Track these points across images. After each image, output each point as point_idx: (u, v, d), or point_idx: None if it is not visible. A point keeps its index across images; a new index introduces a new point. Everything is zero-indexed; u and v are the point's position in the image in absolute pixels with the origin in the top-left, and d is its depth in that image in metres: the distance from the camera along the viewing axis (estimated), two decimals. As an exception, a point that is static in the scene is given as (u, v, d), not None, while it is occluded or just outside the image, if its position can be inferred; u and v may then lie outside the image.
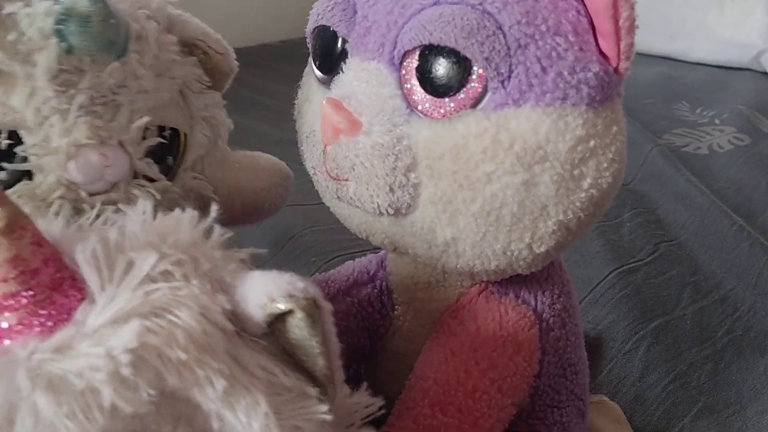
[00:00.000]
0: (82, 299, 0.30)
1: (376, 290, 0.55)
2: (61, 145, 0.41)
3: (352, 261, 0.58)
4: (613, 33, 0.38)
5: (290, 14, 1.92)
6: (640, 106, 1.53)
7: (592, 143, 0.39)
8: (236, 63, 0.52)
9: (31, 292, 0.29)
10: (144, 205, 0.35)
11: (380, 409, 0.38)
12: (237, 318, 0.32)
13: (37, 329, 0.29)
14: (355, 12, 0.43)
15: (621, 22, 0.38)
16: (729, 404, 0.74)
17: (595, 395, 0.70)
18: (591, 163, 0.40)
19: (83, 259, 0.31)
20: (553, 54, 0.38)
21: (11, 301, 0.29)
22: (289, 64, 1.58)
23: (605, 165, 0.40)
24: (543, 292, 0.49)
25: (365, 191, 0.42)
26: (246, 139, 1.41)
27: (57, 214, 0.41)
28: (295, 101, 0.50)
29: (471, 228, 0.41)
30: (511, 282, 0.48)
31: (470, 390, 0.44)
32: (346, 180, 0.42)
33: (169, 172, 0.48)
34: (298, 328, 0.32)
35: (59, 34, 0.40)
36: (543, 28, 0.38)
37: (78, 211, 0.42)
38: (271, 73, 1.78)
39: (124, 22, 0.43)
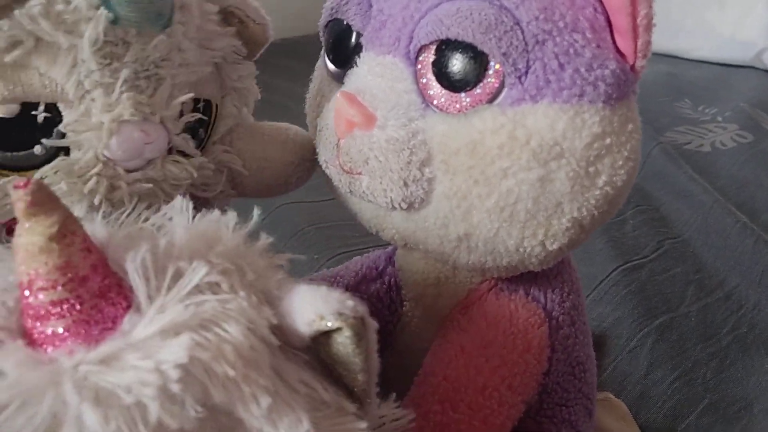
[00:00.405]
0: (128, 307, 0.29)
1: (384, 286, 0.55)
2: (102, 121, 0.39)
3: (359, 257, 0.57)
4: (631, 30, 0.38)
5: (292, 12, 1.91)
6: (642, 104, 1.52)
7: (608, 141, 0.39)
8: (271, 34, 0.50)
9: (78, 300, 0.28)
10: (182, 203, 0.35)
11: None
12: (280, 331, 0.32)
13: (83, 338, 0.28)
14: (370, 6, 0.43)
15: (639, 19, 0.38)
16: (734, 401, 0.74)
17: (600, 392, 0.70)
18: (606, 161, 0.40)
19: (134, 268, 0.30)
20: (571, 50, 0.38)
21: (58, 308, 0.28)
22: (292, 61, 1.58)
23: (620, 163, 0.40)
24: (553, 290, 0.49)
25: (379, 185, 0.41)
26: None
27: (94, 192, 0.40)
28: (307, 95, 0.50)
29: (485, 224, 0.40)
30: (521, 279, 0.48)
31: (480, 387, 0.44)
32: (360, 174, 0.42)
33: (200, 145, 0.47)
34: (343, 345, 0.31)
35: (106, 5, 0.38)
36: (561, 24, 0.38)
37: (114, 188, 0.41)
38: (273, 70, 1.77)
39: None
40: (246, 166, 0.49)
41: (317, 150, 0.47)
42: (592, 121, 0.38)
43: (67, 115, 0.39)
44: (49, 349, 0.28)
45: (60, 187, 0.39)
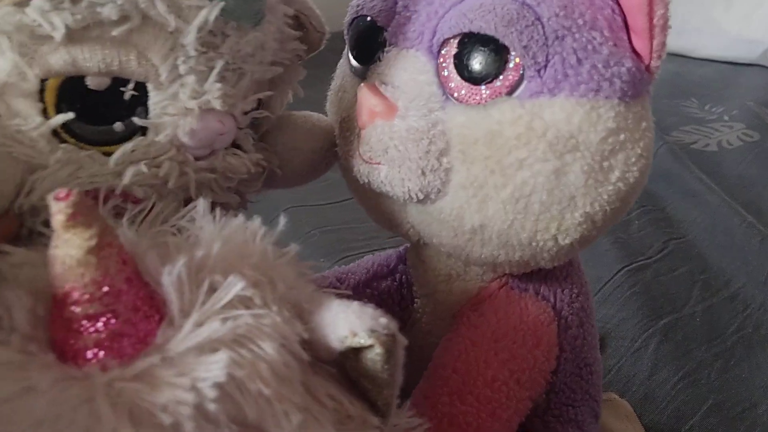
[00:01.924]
0: (160, 320, 0.29)
1: (396, 283, 0.55)
2: (190, 107, 0.40)
3: (371, 255, 0.58)
4: (647, 30, 0.39)
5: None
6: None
7: (622, 136, 0.40)
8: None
9: (113, 314, 0.28)
10: (203, 205, 0.35)
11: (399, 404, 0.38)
12: (309, 345, 0.32)
13: (116, 352, 0.28)
14: (396, 2, 0.44)
15: (655, 20, 0.38)
16: (739, 401, 0.74)
17: (605, 393, 0.70)
18: (620, 156, 0.40)
19: (170, 282, 0.30)
20: (589, 47, 0.38)
21: (93, 323, 0.28)
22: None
23: (633, 159, 0.41)
24: (562, 290, 0.49)
25: (397, 174, 0.42)
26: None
27: (167, 177, 0.40)
28: (328, 92, 0.50)
29: (499, 215, 0.41)
30: (531, 278, 0.49)
31: (489, 380, 0.44)
32: (379, 164, 0.43)
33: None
34: (372, 361, 0.31)
35: None
36: (580, 21, 0.39)
37: (181, 174, 0.41)
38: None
39: None
40: (278, 158, 0.49)
41: (337, 143, 0.47)
42: (608, 116, 0.39)
43: (154, 96, 0.39)
44: (81, 363, 0.28)
45: (140, 168, 0.39)
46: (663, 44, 0.40)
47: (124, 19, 0.37)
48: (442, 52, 0.41)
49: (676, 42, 1.97)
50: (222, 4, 0.38)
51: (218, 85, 0.40)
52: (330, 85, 0.51)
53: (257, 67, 0.43)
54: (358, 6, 0.45)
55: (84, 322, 0.27)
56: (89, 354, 0.28)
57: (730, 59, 1.92)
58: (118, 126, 0.39)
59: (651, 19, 0.38)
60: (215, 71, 0.40)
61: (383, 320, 0.31)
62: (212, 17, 0.38)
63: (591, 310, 0.52)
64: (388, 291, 0.55)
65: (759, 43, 1.88)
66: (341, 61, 0.50)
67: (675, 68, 1.85)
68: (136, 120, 0.39)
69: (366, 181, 0.45)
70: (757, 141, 1.38)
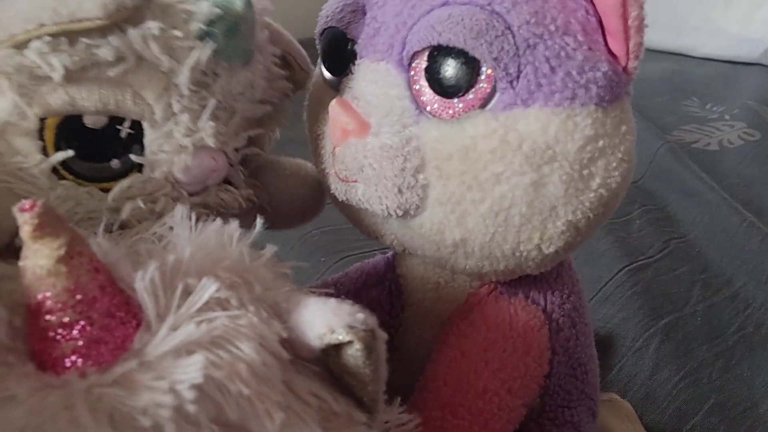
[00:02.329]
0: (137, 326, 0.29)
1: (385, 291, 0.55)
2: (184, 144, 0.41)
3: (360, 263, 0.57)
4: (622, 32, 0.38)
5: (297, 16, 1.92)
6: (649, 103, 1.52)
7: (601, 143, 0.39)
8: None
9: (88, 321, 0.28)
10: (182, 212, 0.35)
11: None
12: (290, 344, 0.32)
13: (94, 359, 0.28)
14: (364, 13, 0.43)
15: (630, 21, 0.37)
16: (740, 401, 0.74)
17: (605, 393, 0.70)
18: (600, 163, 0.40)
19: (143, 287, 0.30)
20: (562, 54, 0.38)
21: (68, 331, 0.28)
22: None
23: (614, 165, 0.40)
24: (553, 292, 0.49)
25: (374, 193, 0.42)
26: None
27: (162, 212, 0.41)
28: (305, 103, 0.50)
29: (480, 229, 0.40)
30: (520, 282, 0.48)
31: (480, 391, 0.44)
32: (355, 182, 0.42)
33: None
34: (353, 357, 0.32)
35: (211, 36, 0.40)
36: (552, 27, 0.38)
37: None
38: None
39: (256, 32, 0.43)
40: (269, 201, 0.51)
41: (313, 158, 0.47)
42: (585, 124, 0.38)
43: (150, 134, 0.41)
44: (60, 372, 0.28)
45: (137, 204, 0.41)
46: (640, 45, 0.39)
47: (119, 60, 0.38)
48: (413, 65, 0.40)
49: (676, 41, 1.96)
50: (213, 45, 0.39)
51: (211, 123, 0.41)
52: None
53: (247, 105, 0.44)
54: (327, 17, 0.45)
55: (60, 330, 0.28)
56: (67, 362, 0.28)
57: (731, 58, 1.91)
58: (114, 163, 0.41)
59: (626, 20, 0.38)
60: (208, 110, 0.41)
61: (360, 316, 0.32)
62: (204, 58, 0.39)
63: (583, 309, 0.52)
64: (378, 299, 0.54)
65: (760, 42, 1.87)
66: (315, 70, 0.49)
67: (675, 67, 1.84)
68: (133, 157, 0.40)
69: (344, 198, 0.44)
70: (758, 140, 1.37)
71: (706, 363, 0.78)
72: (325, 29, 0.46)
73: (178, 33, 0.39)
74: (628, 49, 0.39)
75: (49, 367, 0.28)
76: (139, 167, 0.41)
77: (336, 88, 0.45)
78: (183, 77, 0.40)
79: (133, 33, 0.37)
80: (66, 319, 0.28)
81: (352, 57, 0.44)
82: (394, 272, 0.54)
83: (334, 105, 0.42)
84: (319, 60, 0.48)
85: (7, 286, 0.31)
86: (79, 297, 0.28)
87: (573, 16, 0.39)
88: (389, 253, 0.56)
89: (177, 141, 0.41)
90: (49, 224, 0.27)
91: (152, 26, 0.38)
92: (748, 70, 1.86)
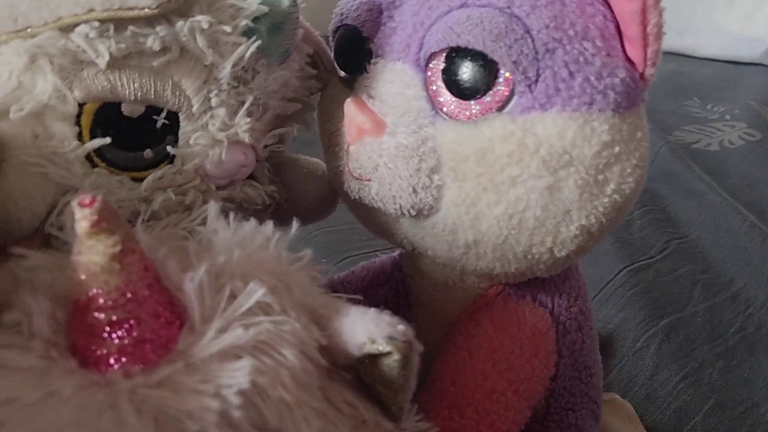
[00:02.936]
0: (181, 326, 0.29)
1: (392, 291, 0.55)
2: (218, 138, 0.41)
3: (366, 261, 0.57)
4: (641, 39, 0.38)
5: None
6: (650, 104, 1.51)
7: (617, 149, 0.39)
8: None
9: (136, 320, 0.28)
10: (215, 209, 0.36)
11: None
12: (327, 351, 0.32)
13: (139, 358, 0.28)
14: (381, 12, 0.43)
15: (649, 28, 0.37)
16: (740, 401, 0.74)
17: (606, 393, 0.70)
18: (615, 169, 0.40)
19: (192, 289, 0.30)
20: (581, 59, 0.38)
21: (116, 329, 0.28)
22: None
23: (629, 171, 0.40)
24: (560, 296, 0.49)
25: (388, 192, 0.42)
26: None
27: (193, 203, 0.41)
28: (317, 101, 0.50)
29: (493, 231, 0.40)
30: (528, 285, 0.48)
31: (488, 392, 0.44)
32: (369, 180, 0.42)
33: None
34: (389, 367, 0.32)
35: (252, 32, 0.40)
36: (571, 32, 0.38)
37: (204, 203, 0.42)
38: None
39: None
40: (287, 198, 0.50)
41: (325, 156, 0.47)
42: (602, 130, 0.38)
43: (185, 126, 0.41)
44: (103, 369, 0.28)
45: (168, 195, 0.40)
46: (657, 52, 0.39)
47: (164, 50, 0.38)
48: (430, 65, 0.40)
49: (677, 41, 1.96)
50: (259, 42, 0.39)
51: (247, 119, 0.41)
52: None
53: (280, 102, 0.44)
54: (341, 14, 0.45)
55: (107, 328, 0.28)
56: (112, 360, 0.28)
57: (732, 58, 1.91)
58: (147, 153, 0.40)
59: (645, 27, 0.38)
60: (246, 105, 0.41)
61: (401, 327, 0.32)
62: (248, 54, 0.39)
63: (589, 312, 0.52)
64: (385, 299, 0.54)
65: (761, 42, 1.87)
66: None
67: (676, 68, 1.84)
68: (169, 148, 0.40)
69: (357, 197, 0.44)
70: (759, 140, 1.37)
71: (707, 363, 0.79)
72: (339, 26, 0.45)
73: (226, 28, 0.39)
74: (645, 55, 0.39)
75: (92, 365, 0.28)
76: (171, 159, 0.41)
77: (349, 85, 0.45)
78: (225, 72, 0.40)
79: (181, 25, 0.37)
80: (114, 318, 0.28)
81: (366, 55, 0.44)
82: (401, 271, 0.55)
83: (349, 103, 0.42)
84: (332, 57, 0.47)
85: (45, 278, 0.31)
86: (129, 296, 0.28)
87: (591, 21, 0.39)
88: (396, 253, 0.56)
89: (212, 134, 0.41)
90: (106, 221, 0.27)
91: (202, 20, 0.38)
92: (749, 70, 1.86)
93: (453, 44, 0.38)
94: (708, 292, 0.90)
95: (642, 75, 0.40)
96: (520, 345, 0.46)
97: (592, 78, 0.38)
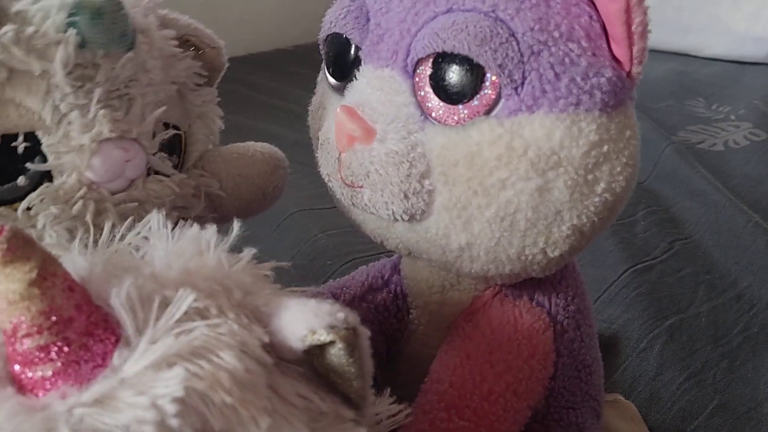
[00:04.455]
0: (117, 341, 0.29)
1: (391, 295, 0.55)
2: (83, 142, 0.41)
3: (365, 266, 0.58)
4: (626, 38, 0.38)
5: (303, 19, 1.93)
6: (655, 104, 1.52)
7: (605, 148, 0.39)
8: (226, 59, 0.53)
9: (65, 342, 0.28)
10: (158, 220, 0.35)
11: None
12: (273, 347, 0.32)
13: (74, 379, 0.28)
14: (368, 19, 0.43)
15: (634, 27, 0.38)
16: (744, 401, 0.74)
17: (610, 394, 0.70)
18: (605, 168, 0.40)
19: (119, 304, 0.30)
20: (566, 60, 0.38)
21: (45, 353, 0.28)
22: (303, 68, 1.59)
23: (619, 169, 0.41)
24: (557, 295, 0.49)
25: (380, 198, 0.42)
26: (262, 141, 1.41)
27: (82, 215, 0.40)
28: (309, 108, 0.50)
29: (485, 233, 0.41)
30: (525, 285, 0.49)
31: (486, 393, 0.44)
32: (361, 187, 0.43)
33: (176, 169, 0.48)
34: (336, 356, 0.32)
35: (73, 26, 0.40)
36: (556, 34, 0.38)
37: (100, 212, 0.41)
38: (286, 77, 1.79)
39: (130, 15, 0.43)
40: (223, 187, 0.51)
41: (319, 163, 0.47)
42: (589, 129, 0.39)
43: (46, 140, 0.41)
44: (41, 394, 0.28)
45: (50, 211, 0.40)
46: (643, 50, 0.39)
47: None
48: (418, 71, 0.41)
49: (682, 41, 1.96)
50: (76, 36, 0.39)
51: (103, 112, 0.41)
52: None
53: (147, 89, 0.44)
54: (331, 23, 0.45)
55: (37, 353, 0.28)
56: (47, 383, 0.28)
57: (737, 58, 1.90)
58: (21, 180, 0.40)
59: (629, 26, 0.38)
60: (94, 101, 0.40)
61: (341, 315, 0.31)
62: (71, 49, 0.39)
63: (587, 311, 0.52)
64: (384, 303, 0.55)
65: (766, 41, 1.86)
66: (319, 75, 0.50)
67: (681, 68, 1.84)
68: (29, 165, 0.40)
69: (350, 203, 0.45)
70: (764, 140, 1.37)
71: (711, 363, 0.78)
72: (328, 35, 0.46)
73: (30, 30, 0.38)
74: (631, 54, 0.39)
75: (29, 390, 0.28)
76: (50, 176, 0.41)
77: (340, 93, 0.45)
78: (59, 76, 0.39)
79: None
80: (42, 342, 0.28)
81: (356, 63, 0.44)
82: (399, 275, 0.55)
83: (339, 112, 0.42)
84: (323, 65, 0.48)
85: None
86: (54, 318, 0.28)
87: (577, 22, 0.39)
88: (395, 256, 0.56)
89: (75, 140, 0.41)
90: (18, 247, 0.27)
91: (6, 30, 0.38)
92: (754, 69, 1.85)
93: (439, 50, 0.39)
94: (712, 292, 0.90)
95: (629, 74, 0.40)
96: (517, 346, 0.46)
97: (578, 78, 0.38)
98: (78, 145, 0.41)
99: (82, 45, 0.40)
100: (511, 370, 0.46)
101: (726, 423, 0.71)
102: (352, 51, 0.44)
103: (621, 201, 0.43)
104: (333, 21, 0.45)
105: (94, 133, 0.41)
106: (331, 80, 0.47)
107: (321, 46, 0.47)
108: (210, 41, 0.50)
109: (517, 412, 0.46)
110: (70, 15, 0.40)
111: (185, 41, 0.49)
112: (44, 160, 0.41)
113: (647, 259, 0.96)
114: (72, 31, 0.39)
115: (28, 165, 0.40)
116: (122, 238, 0.36)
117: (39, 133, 0.41)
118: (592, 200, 0.40)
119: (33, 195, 0.40)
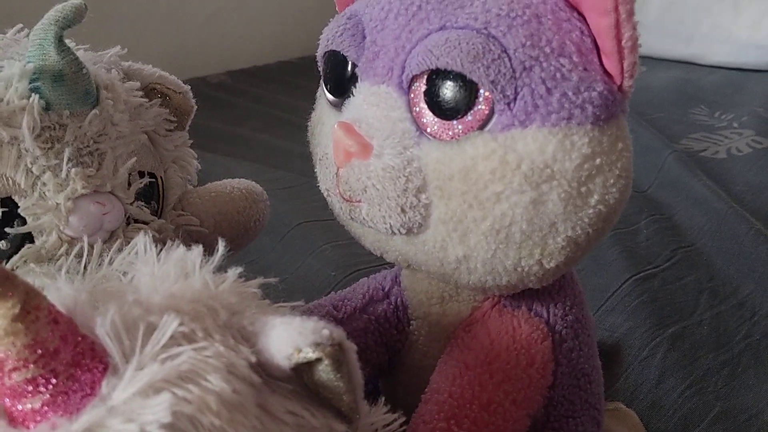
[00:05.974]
0: (105, 369, 0.29)
1: (391, 306, 0.55)
2: (58, 201, 0.42)
3: (366, 278, 0.58)
4: (617, 53, 0.39)
5: (308, 31, 1.94)
6: (657, 112, 1.52)
7: (598, 161, 0.40)
8: (194, 101, 0.53)
9: (52, 374, 0.28)
10: (144, 241, 0.36)
11: (400, 424, 0.39)
12: (261, 366, 0.32)
13: (64, 409, 0.28)
14: (364, 37, 0.44)
15: (624, 42, 0.38)
16: (745, 409, 0.74)
17: (611, 402, 0.70)
18: (598, 180, 0.40)
19: (104, 333, 0.30)
20: (558, 75, 0.39)
21: (33, 386, 0.28)
22: (308, 80, 1.60)
23: (612, 181, 0.41)
24: (555, 304, 0.50)
25: (378, 212, 0.43)
26: (267, 153, 1.42)
27: (67, 270, 0.40)
28: (309, 123, 0.51)
29: (482, 246, 0.41)
30: (523, 295, 0.49)
31: (485, 403, 0.45)
32: (359, 202, 0.43)
33: (155, 215, 0.49)
34: (324, 372, 0.32)
35: (36, 92, 0.41)
36: (547, 49, 0.39)
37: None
38: (290, 89, 1.80)
39: (92, 72, 0.44)
40: (204, 226, 0.52)
41: (318, 178, 0.48)
42: (582, 143, 0.39)
43: (23, 204, 0.42)
44: (31, 426, 0.28)
45: (33, 270, 0.41)
46: (634, 64, 0.40)
47: None
48: (413, 87, 0.41)
49: (684, 49, 1.96)
50: (40, 101, 0.40)
51: (75, 170, 0.42)
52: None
53: (116, 141, 0.45)
54: (327, 40, 0.46)
55: (24, 386, 0.28)
56: (37, 416, 0.28)
57: (740, 66, 1.90)
58: (2, 244, 0.42)
59: (619, 41, 0.38)
60: (65, 160, 0.42)
61: (326, 332, 0.32)
62: (36, 116, 0.40)
63: (586, 319, 0.53)
64: (385, 314, 0.55)
65: (768, 49, 1.87)
66: (318, 91, 0.50)
67: (684, 75, 1.84)
68: (9, 230, 0.41)
69: (349, 218, 0.46)
70: (767, 148, 1.36)
71: (712, 371, 0.79)
72: (326, 52, 0.47)
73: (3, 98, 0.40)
74: (622, 68, 0.40)
75: (20, 423, 0.29)
76: (31, 238, 0.42)
77: (338, 109, 0.46)
78: (28, 140, 0.41)
79: None
80: (29, 375, 0.28)
81: (353, 79, 0.45)
82: (399, 287, 0.55)
83: (336, 128, 0.43)
84: (321, 82, 0.49)
85: None
86: (40, 351, 0.28)
87: (568, 37, 0.40)
88: (395, 268, 0.57)
89: (51, 200, 0.42)
90: None
91: None
92: (756, 77, 1.85)
93: (433, 66, 0.39)
94: (714, 300, 0.90)
95: (620, 87, 0.41)
96: (515, 355, 0.47)
97: (570, 93, 0.39)
98: (54, 205, 0.42)
99: (47, 108, 0.41)
100: (510, 380, 0.46)
101: (727, 430, 0.71)
102: (349, 68, 0.45)
103: (615, 212, 0.43)
104: (330, 39, 0.45)
105: (68, 192, 0.42)
106: (329, 96, 0.47)
107: (319, 63, 0.48)
108: (176, 87, 0.51)
109: (517, 422, 0.46)
110: (32, 81, 0.41)
111: (151, 90, 0.50)
112: (24, 222, 0.42)
113: (649, 268, 0.96)
114: (35, 97, 0.41)
115: (7, 230, 0.42)
116: (111, 262, 0.37)
117: (15, 198, 0.42)
118: (586, 212, 0.41)
119: (15, 258, 0.42)
